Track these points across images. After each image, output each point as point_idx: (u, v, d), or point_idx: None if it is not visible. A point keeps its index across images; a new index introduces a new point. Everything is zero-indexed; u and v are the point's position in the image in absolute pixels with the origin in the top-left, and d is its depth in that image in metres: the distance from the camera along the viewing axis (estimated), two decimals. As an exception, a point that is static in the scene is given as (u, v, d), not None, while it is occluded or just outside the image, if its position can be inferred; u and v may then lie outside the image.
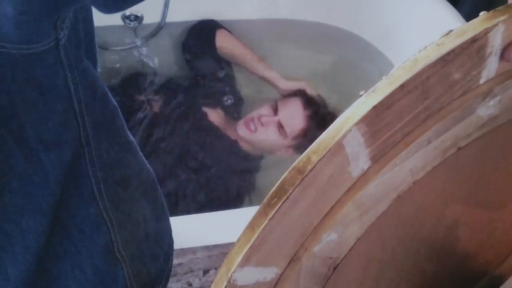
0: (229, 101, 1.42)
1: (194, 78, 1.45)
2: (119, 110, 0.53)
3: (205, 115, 1.35)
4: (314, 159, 0.36)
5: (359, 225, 0.41)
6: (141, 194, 0.59)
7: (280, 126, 1.25)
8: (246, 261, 0.38)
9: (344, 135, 0.35)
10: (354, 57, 1.53)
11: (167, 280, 0.70)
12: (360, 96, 0.37)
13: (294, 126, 1.25)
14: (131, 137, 0.56)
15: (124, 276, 0.59)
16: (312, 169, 0.35)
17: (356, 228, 0.41)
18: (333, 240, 0.41)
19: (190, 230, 1.02)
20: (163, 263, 0.68)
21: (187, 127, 1.32)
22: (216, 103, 1.41)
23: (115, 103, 0.52)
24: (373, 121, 0.36)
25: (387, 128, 0.37)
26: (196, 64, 1.45)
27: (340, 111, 1.26)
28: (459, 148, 0.43)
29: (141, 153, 0.59)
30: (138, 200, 0.59)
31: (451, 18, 1.24)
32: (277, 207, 0.36)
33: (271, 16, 1.54)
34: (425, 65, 0.36)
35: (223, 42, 1.43)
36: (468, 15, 1.26)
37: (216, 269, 1.22)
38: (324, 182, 0.37)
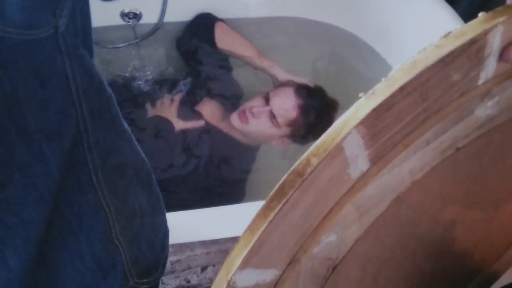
0: (226, 94, 1.42)
1: (191, 74, 1.44)
2: (114, 99, 0.53)
3: (199, 113, 1.35)
4: (314, 161, 0.35)
5: (358, 226, 0.42)
6: (137, 183, 0.60)
7: (272, 116, 1.25)
8: (245, 264, 0.38)
9: (344, 138, 0.35)
10: (349, 55, 1.54)
11: (163, 268, 0.71)
12: (359, 98, 0.37)
13: (286, 115, 1.25)
14: (126, 126, 0.56)
15: (122, 262, 0.60)
16: (312, 171, 0.35)
17: (355, 229, 0.42)
18: (332, 241, 0.41)
19: (187, 226, 1.02)
20: (159, 251, 0.69)
21: (184, 124, 1.31)
22: (214, 97, 1.40)
23: (110, 91, 0.52)
24: (372, 123, 0.36)
25: (386, 130, 0.37)
26: (193, 59, 1.44)
27: (334, 107, 1.26)
28: (458, 149, 0.43)
29: (136, 142, 0.59)
30: (134, 189, 0.59)
31: (448, 17, 1.24)
32: (276, 210, 0.36)
33: (268, 15, 1.54)
34: (424, 67, 0.36)
35: (222, 35, 1.42)
36: (465, 14, 1.26)
37: (214, 266, 1.22)
38: (323, 184, 0.37)
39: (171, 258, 1.23)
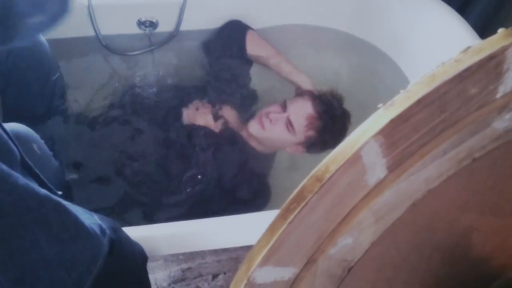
0: (244, 102, 1.43)
1: (209, 81, 1.45)
2: None
3: (225, 119, 1.36)
4: (332, 168, 0.37)
5: (374, 230, 0.43)
6: (30, 221, 0.58)
7: (288, 123, 1.26)
8: (265, 261, 0.40)
9: (362, 146, 0.37)
10: (366, 63, 1.53)
11: None
12: (378, 108, 0.39)
13: (302, 122, 1.25)
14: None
15: None
16: (330, 177, 0.37)
17: (371, 233, 0.43)
18: (348, 244, 0.43)
19: (199, 234, 1.01)
20: None
21: (201, 131, 1.33)
22: (232, 105, 1.41)
23: None
24: (390, 133, 0.38)
25: (403, 139, 0.39)
26: (217, 64, 1.45)
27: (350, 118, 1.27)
28: (474, 159, 0.44)
29: (20, 181, 0.57)
30: (23, 227, 0.58)
31: (459, 26, 1.23)
32: (295, 212, 0.38)
33: (284, 23, 1.55)
34: (443, 80, 0.37)
35: (253, 43, 1.43)
36: (475, 23, 1.25)
37: (225, 273, 1.23)
38: (341, 190, 0.39)
39: (182, 266, 1.25)
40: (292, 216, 0.38)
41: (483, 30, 1.31)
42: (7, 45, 0.40)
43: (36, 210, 0.59)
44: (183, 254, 1.24)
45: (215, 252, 1.23)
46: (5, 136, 0.57)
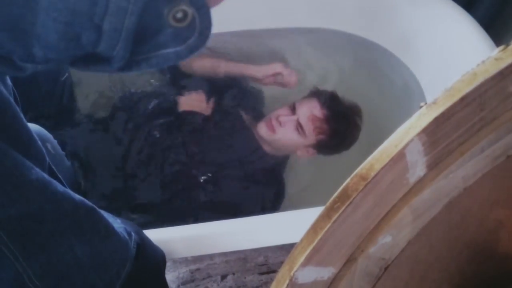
0: (253, 106, 1.43)
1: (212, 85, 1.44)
2: (11, 151, 0.52)
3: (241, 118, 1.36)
4: (377, 166, 0.38)
5: (411, 229, 0.44)
6: (66, 226, 0.59)
7: (298, 125, 1.26)
8: (308, 261, 0.40)
9: (406, 145, 0.37)
10: (374, 64, 1.54)
11: None
12: (420, 107, 0.39)
13: (313, 124, 1.25)
14: (37, 175, 0.55)
15: None
16: (375, 176, 0.37)
17: (409, 231, 0.44)
18: (387, 242, 0.43)
19: (207, 238, 1.00)
20: None
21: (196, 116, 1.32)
22: (240, 108, 1.41)
23: (2, 145, 0.51)
24: (433, 131, 0.38)
25: (444, 137, 0.39)
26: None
27: (359, 113, 1.25)
28: (508, 156, 0.44)
29: (59, 188, 0.58)
30: (60, 233, 0.58)
31: (467, 25, 1.23)
32: (340, 211, 0.38)
33: (290, 26, 1.55)
34: (484, 78, 0.37)
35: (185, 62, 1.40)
36: (482, 20, 1.26)
37: (233, 274, 1.22)
38: (384, 188, 0.39)
39: (190, 267, 1.24)
40: (336, 215, 0.38)
41: (489, 27, 1.31)
42: (123, 72, 0.39)
43: (71, 216, 0.59)
44: (192, 255, 1.24)
45: (223, 252, 1.22)
46: (39, 142, 0.57)
